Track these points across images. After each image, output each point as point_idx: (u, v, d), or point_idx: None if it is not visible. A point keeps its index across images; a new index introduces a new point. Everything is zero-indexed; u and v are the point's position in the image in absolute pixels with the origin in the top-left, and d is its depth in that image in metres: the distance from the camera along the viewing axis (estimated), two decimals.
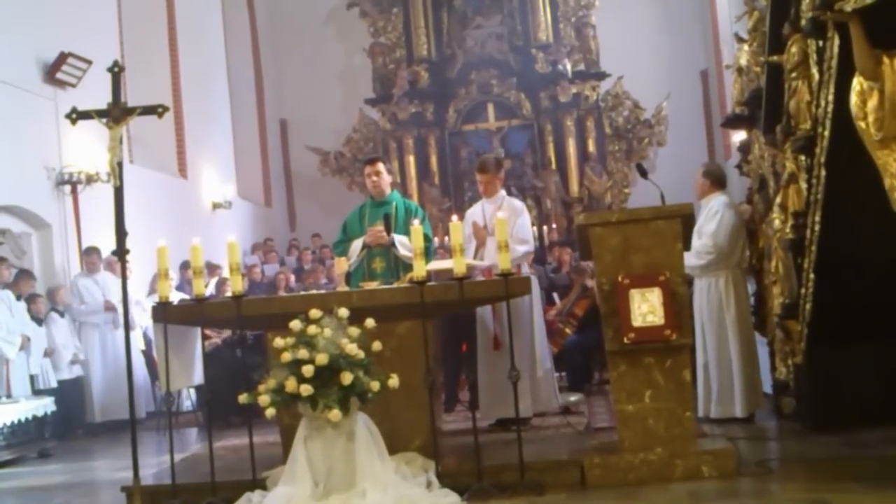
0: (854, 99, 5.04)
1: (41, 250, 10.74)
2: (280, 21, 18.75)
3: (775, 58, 6.79)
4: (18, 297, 9.52)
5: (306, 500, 5.04)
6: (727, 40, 13.90)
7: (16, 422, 8.29)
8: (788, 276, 6.72)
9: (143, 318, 10.75)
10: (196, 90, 14.78)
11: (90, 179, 10.90)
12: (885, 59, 4.91)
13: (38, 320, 9.83)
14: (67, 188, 10.83)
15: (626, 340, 5.36)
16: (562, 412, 7.40)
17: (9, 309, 9.24)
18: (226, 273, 10.71)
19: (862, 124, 5.01)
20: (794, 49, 6.38)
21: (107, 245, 10.38)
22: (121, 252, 5.61)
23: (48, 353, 9.88)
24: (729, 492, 5.05)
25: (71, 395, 10.03)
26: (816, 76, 6.05)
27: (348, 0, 17.85)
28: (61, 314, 10.34)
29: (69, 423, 9.85)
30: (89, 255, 10.67)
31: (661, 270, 5.38)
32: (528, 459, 5.39)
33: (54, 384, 9.87)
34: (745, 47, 8.17)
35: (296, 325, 5.21)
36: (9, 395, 8.81)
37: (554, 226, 16.23)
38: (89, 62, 10.75)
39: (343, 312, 5.26)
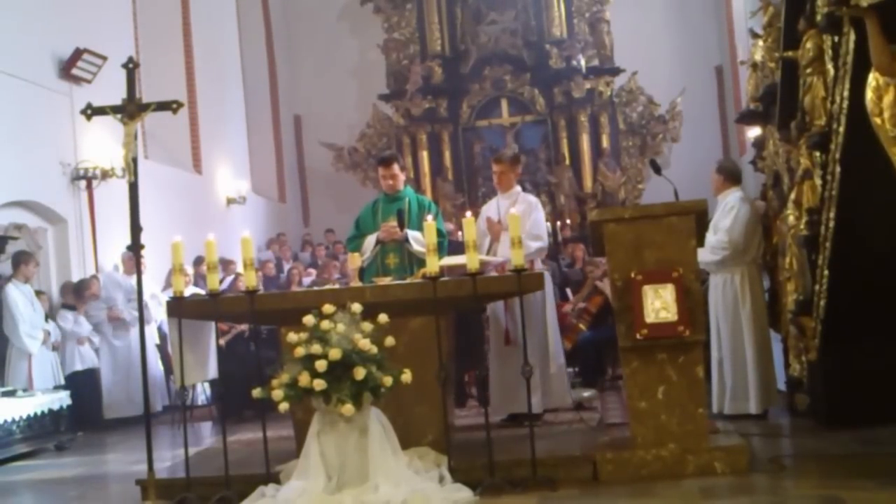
0: (869, 95, 5.01)
1: (56, 245, 10.79)
2: (294, 17, 18.78)
3: (790, 53, 6.76)
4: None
5: (319, 494, 5.05)
6: (742, 36, 13.82)
7: (32, 415, 8.35)
8: (803, 273, 6.69)
9: (158, 313, 10.78)
10: (210, 86, 14.82)
11: (105, 175, 10.96)
12: None
13: (45, 316, 9.79)
14: (83, 183, 10.89)
15: (639, 336, 5.36)
16: (574, 408, 7.40)
17: (31, 304, 9.30)
18: (239, 268, 10.71)
19: (877, 120, 4.98)
20: (809, 45, 6.35)
21: (122, 240, 10.45)
22: (136, 247, 5.65)
23: (56, 347, 9.90)
24: (741, 488, 5.05)
25: (83, 388, 10.01)
26: (832, 72, 6.02)
27: None
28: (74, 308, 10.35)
29: (80, 416, 9.84)
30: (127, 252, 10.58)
31: (674, 267, 5.37)
32: (541, 455, 5.40)
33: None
34: (760, 43, 8.14)
35: (309, 320, 5.23)
36: (25, 390, 8.86)
37: (567, 221, 16.21)
38: (104, 58, 10.79)
39: (356, 308, 5.28)
